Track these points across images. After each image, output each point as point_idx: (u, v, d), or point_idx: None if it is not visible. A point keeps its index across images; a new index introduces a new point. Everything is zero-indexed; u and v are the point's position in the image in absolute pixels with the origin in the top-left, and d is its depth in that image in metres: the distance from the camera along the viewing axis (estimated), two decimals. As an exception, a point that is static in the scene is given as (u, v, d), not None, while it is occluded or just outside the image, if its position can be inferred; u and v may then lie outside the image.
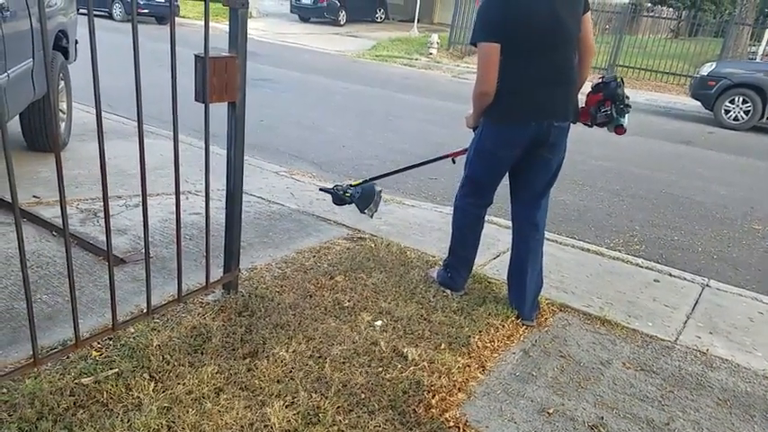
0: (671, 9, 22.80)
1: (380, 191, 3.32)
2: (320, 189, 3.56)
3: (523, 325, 2.77)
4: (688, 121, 10.68)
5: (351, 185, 3.28)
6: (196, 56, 2.09)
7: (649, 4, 23.04)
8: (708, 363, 2.64)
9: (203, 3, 2.04)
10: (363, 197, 3.22)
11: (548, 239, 3.86)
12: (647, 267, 3.68)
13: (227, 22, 2.26)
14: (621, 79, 2.71)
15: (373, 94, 10.14)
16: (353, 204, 3.25)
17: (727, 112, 10.23)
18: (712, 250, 4.40)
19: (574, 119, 2.69)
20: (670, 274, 3.61)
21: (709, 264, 4.13)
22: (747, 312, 3.19)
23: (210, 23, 2.16)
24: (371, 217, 3.34)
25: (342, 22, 22.13)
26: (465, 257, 2.95)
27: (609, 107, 2.64)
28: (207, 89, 2.10)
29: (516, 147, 2.59)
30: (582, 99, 2.71)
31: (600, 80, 2.71)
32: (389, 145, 6.61)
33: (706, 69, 10.83)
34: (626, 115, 2.67)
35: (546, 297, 3.02)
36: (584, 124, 2.77)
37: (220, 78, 2.12)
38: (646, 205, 5.33)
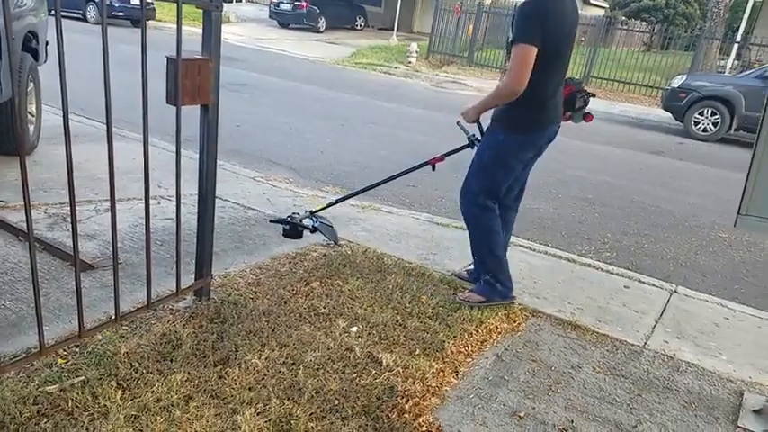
0: (644, 23, 23.33)
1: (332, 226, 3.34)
2: (271, 221, 3.30)
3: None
4: (659, 132, 10.91)
5: (311, 212, 3.17)
6: (168, 58, 2.07)
7: (623, 18, 23.56)
8: (675, 366, 2.69)
9: (176, 5, 2.02)
10: (325, 227, 3.21)
11: (522, 246, 3.92)
12: (617, 274, 3.74)
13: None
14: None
15: (352, 101, 10.15)
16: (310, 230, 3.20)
17: (696, 123, 10.47)
18: (681, 257, 4.49)
19: None
20: (639, 281, 3.67)
21: (678, 270, 4.22)
22: (713, 317, 3.26)
23: (186, 27, 2.14)
24: (337, 242, 3.32)
25: (321, 29, 22.14)
26: (503, 258, 2.98)
27: (584, 94, 2.87)
28: (179, 91, 2.08)
29: (536, 149, 2.81)
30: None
31: (566, 78, 2.89)
32: (368, 152, 6.62)
33: (677, 82, 11.08)
34: None
35: (519, 302, 3.05)
36: None
37: (193, 81, 2.10)
38: (617, 214, 5.42)
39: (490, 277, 2.93)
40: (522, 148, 2.77)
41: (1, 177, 3.79)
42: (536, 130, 2.73)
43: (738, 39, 16.16)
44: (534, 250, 3.96)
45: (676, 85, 10.90)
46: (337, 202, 3.25)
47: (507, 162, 2.78)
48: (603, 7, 29.43)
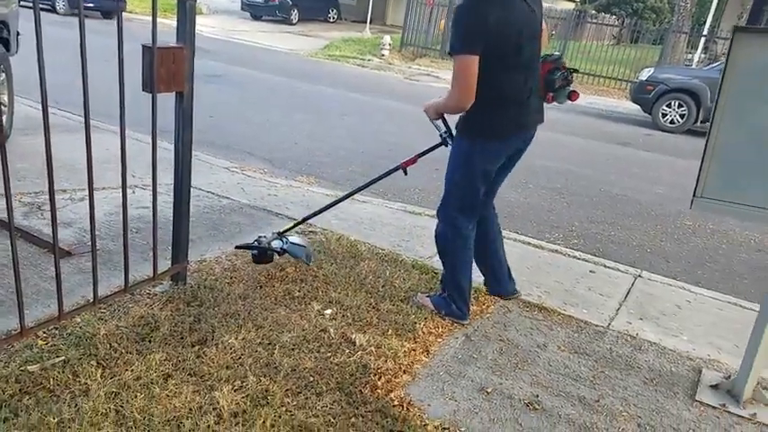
0: (614, 17, 23.73)
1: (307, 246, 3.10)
2: (236, 247, 3.05)
3: (513, 298, 3.05)
4: (628, 124, 11.13)
5: (279, 233, 3.00)
6: (144, 46, 2.12)
7: (594, 12, 23.93)
8: (637, 346, 2.80)
9: (151, -5, 2.07)
10: (294, 247, 2.98)
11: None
12: (583, 259, 3.86)
13: (175, 18, 2.30)
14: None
15: (326, 93, 10.16)
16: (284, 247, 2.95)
17: (664, 115, 10.68)
18: (646, 244, 4.63)
19: None
20: (605, 266, 3.79)
21: (643, 256, 4.35)
22: (676, 300, 3.39)
23: (159, 19, 2.19)
24: (309, 264, 3.04)
25: (294, 21, 22.04)
26: (465, 288, 2.78)
27: (564, 70, 2.61)
28: (154, 79, 2.13)
29: (504, 157, 2.60)
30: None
31: (543, 56, 2.67)
32: (342, 143, 6.67)
33: (644, 75, 11.31)
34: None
35: (488, 286, 3.12)
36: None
37: (168, 69, 2.15)
38: (585, 202, 5.57)
39: (448, 296, 2.80)
40: (489, 158, 2.54)
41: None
42: (502, 138, 2.51)
43: (705, 32, 16.58)
44: (504, 237, 4.05)
45: (644, 78, 11.12)
46: (303, 220, 3.15)
47: (475, 173, 2.55)
48: (575, 0, 29.80)
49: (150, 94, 2.19)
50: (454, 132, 2.64)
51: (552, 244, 4.17)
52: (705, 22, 17.24)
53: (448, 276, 2.80)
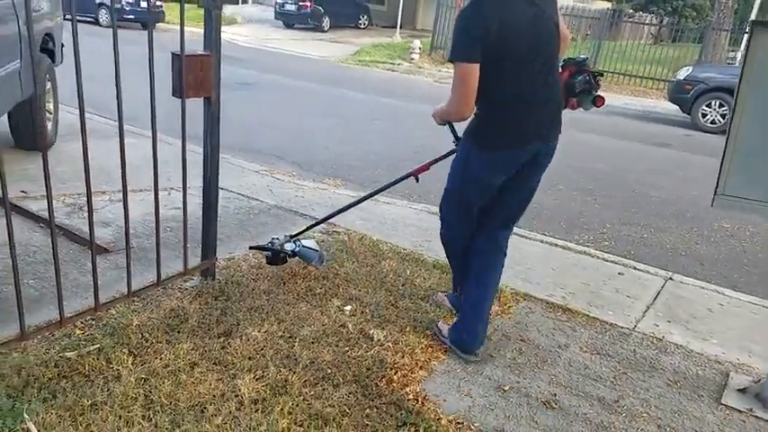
0: (651, 15, 23.19)
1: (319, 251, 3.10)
2: (251, 248, 3.09)
3: (472, 361, 2.50)
4: (666, 125, 10.87)
5: (290, 236, 3.04)
6: (173, 54, 2.26)
7: (630, 11, 23.44)
8: (662, 348, 2.76)
9: (179, 4, 2.21)
10: (306, 250, 3.00)
11: (516, 234, 3.98)
12: (612, 261, 3.80)
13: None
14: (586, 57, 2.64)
15: (356, 98, 10.29)
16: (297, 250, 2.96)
17: (704, 115, 10.36)
18: (680, 247, 4.52)
19: None
20: (635, 268, 3.73)
21: (677, 259, 4.25)
22: (707, 303, 3.31)
23: (191, 28, 2.33)
24: (318, 268, 3.06)
25: (326, 28, 22.34)
26: (471, 286, 2.61)
27: (586, 74, 2.45)
28: (183, 85, 2.27)
29: (506, 168, 2.38)
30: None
31: (566, 59, 2.52)
32: (371, 147, 6.76)
33: (683, 74, 11.01)
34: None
35: (511, 287, 3.14)
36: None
37: (195, 75, 2.29)
38: (618, 204, 5.46)
39: (459, 294, 2.72)
40: (487, 166, 2.37)
41: (22, 170, 4.00)
42: (506, 149, 2.33)
43: (748, 29, 16.07)
44: (530, 238, 4.03)
45: (682, 77, 10.82)
46: (316, 224, 3.21)
47: (471, 179, 2.42)
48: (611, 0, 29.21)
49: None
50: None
51: (581, 246, 4.12)
52: (749, 18, 16.71)
53: (455, 275, 2.84)
